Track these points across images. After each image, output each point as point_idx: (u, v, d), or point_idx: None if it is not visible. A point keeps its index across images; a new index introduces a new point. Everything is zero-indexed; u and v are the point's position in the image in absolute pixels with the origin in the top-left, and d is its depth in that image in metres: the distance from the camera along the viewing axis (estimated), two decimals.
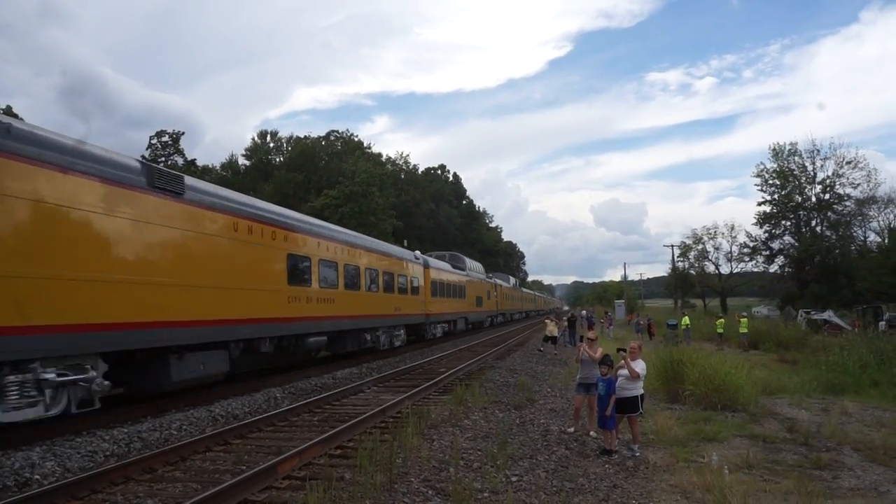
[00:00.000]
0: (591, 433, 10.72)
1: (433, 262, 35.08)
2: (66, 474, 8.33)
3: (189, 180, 13.61)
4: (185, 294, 12.68)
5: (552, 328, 29.20)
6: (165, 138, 79.40)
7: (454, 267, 39.51)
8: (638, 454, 9.44)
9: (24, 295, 9.33)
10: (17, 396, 9.20)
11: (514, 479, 8.09)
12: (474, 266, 46.20)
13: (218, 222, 14.05)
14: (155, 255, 11.98)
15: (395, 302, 27.01)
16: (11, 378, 9.14)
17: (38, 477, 8.12)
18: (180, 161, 79.65)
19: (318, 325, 18.80)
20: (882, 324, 36.95)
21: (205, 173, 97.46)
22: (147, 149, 79.50)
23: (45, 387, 9.53)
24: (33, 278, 9.46)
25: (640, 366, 9.80)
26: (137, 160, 12.54)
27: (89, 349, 10.48)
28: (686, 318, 36.00)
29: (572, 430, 10.96)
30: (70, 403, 10.12)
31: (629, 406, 9.71)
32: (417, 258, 31.85)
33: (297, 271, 17.67)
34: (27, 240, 9.48)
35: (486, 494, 7.41)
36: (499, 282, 56.27)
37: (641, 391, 9.85)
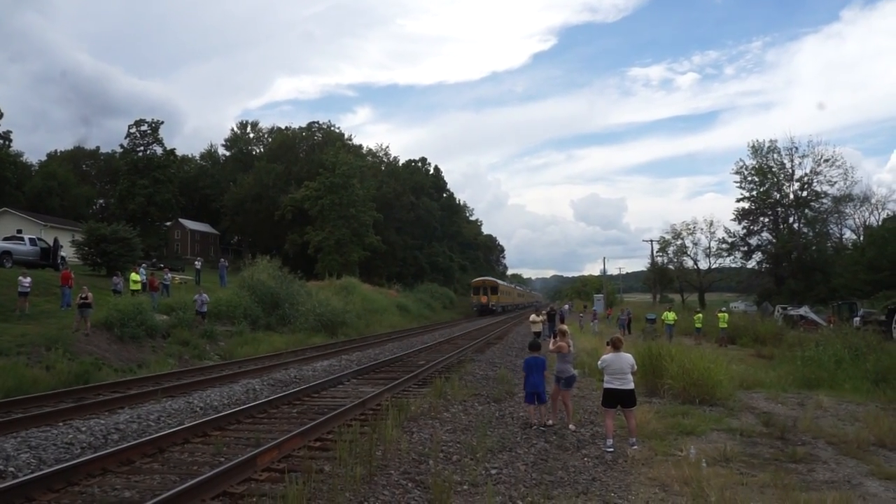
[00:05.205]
0: (570, 426, 10.78)
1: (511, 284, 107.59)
2: (42, 466, 8.22)
3: (513, 283, 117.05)
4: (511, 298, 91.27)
5: (538, 322, 28.97)
6: (144, 127, 78.36)
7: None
8: (612, 449, 9.43)
9: (512, 302, 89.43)
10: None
11: (493, 471, 8.11)
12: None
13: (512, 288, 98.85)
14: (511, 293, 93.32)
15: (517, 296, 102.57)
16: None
17: (12, 469, 8.00)
18: (159, 150, 78.74)
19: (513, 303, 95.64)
20: (856, 320, 37.38)
21: (184, 163, 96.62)
22: (126, 137, 78.56)
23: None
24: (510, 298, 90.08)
25: (623, 358, 9.82)
26: (514, 286, 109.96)
27: (511, 305, 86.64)
28: (671, 313, 35.79)
29: (551, 422, 11.01)
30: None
31: (626, 399, 9.72)
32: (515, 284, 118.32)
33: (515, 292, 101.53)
34: (511, 294, 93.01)
35: (465, 487, 7.42)
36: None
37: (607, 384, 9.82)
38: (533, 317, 30.50)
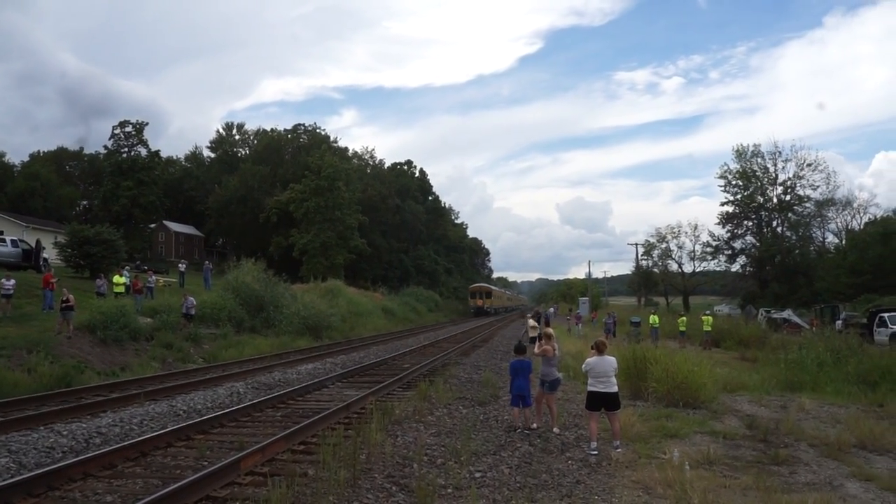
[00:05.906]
0: (555, 429, 10.79)
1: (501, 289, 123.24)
2: (22, 470, 8.14)
3: (502, 287, 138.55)
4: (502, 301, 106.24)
5: (535, 327, 28.67)
6: (129, 128, 77.71)
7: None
8: (596, 452, 9.44)
9: (502, 305, 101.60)
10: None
11: (477, 475, 8.11)
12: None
13: (502, 293, 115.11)
14: (501, 297, 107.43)
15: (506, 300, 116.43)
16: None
17: None
18: (143, 152, 78.13)
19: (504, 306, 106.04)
20: (839, 323, 37.72)
21: (168, 165, 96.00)
22: (110, 139, 77.88)
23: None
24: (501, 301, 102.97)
25: (606, 359, 9.84)
26: (504, 290, 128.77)
27: (501, 308, 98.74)
28: (655, 316, 35.90)
29: (535, 426, 11.02)
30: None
31: (610, 402, 9.74)
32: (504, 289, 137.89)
33: (505, 296, 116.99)
34: (502, 298, 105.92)
35: (449, 490, 7.41)
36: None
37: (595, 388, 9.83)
38: (531, 321, 30.45)
